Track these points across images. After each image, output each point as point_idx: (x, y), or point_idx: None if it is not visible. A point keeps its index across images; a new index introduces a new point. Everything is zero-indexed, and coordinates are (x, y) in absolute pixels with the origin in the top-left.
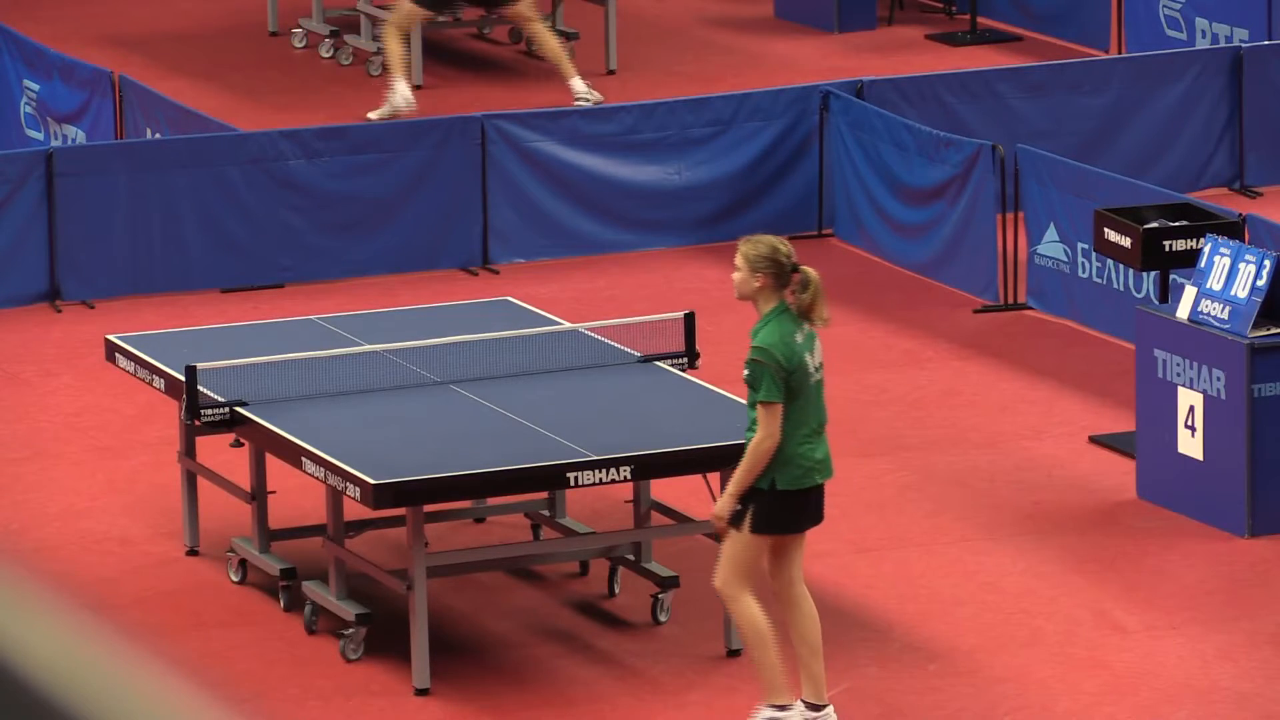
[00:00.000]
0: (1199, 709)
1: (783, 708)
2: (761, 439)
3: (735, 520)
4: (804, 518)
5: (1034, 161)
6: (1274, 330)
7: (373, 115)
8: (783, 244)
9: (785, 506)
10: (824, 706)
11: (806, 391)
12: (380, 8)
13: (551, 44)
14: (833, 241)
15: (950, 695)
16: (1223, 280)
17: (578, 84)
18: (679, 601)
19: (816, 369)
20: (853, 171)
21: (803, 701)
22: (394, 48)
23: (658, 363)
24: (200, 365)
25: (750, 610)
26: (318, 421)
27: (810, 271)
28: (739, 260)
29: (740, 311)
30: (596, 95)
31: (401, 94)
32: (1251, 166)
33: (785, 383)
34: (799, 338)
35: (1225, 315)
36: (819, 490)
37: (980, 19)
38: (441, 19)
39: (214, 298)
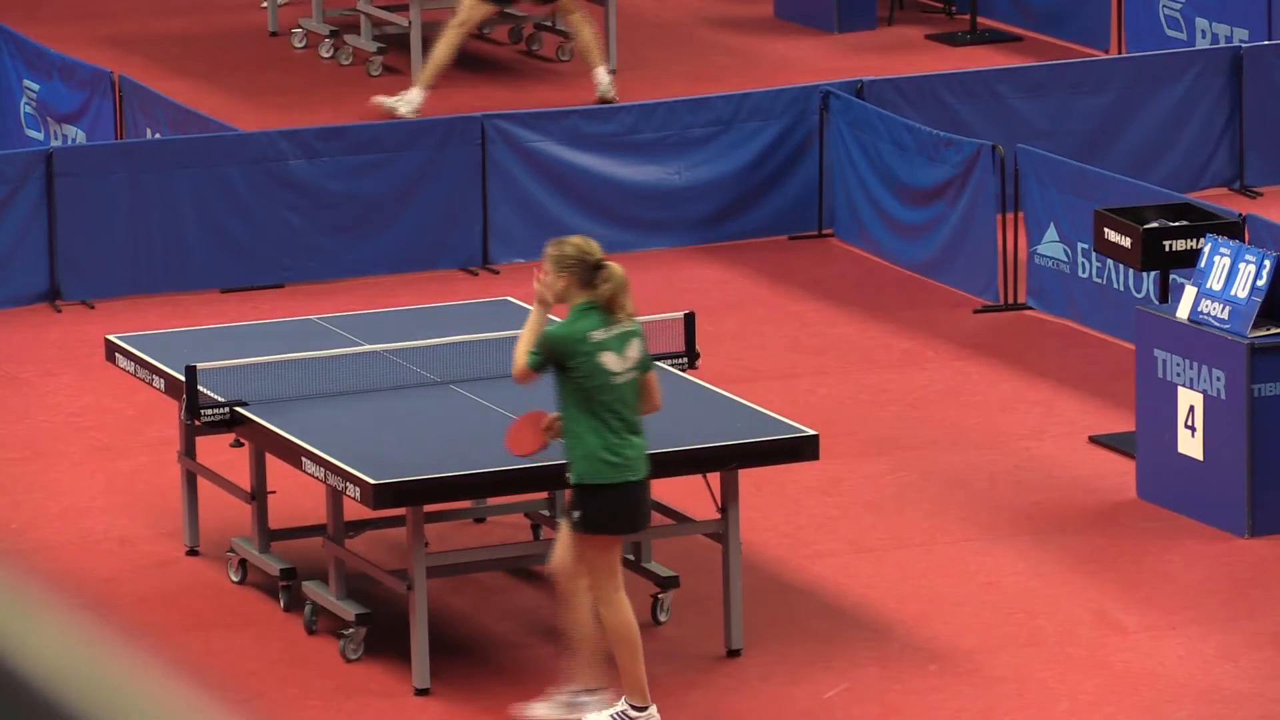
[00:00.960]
0: (1199, 709)
1: (641, 709)
2: (518, 357)
3: (576, 525)
4: (627, 517)
5: (1034, 161)
6: (1274, 330)
7: (377, 99)
8: (588, 243)
9: (608, 501)
10: (597, 690)
11: (608, 389)
12: (381, 8)
13: (585, 34)
14: (833, 241)
15: (950, 695)
16: (1223, 280)
17: (602, 74)
18: (679, 601)
19: (630, 369)
20: (853, 171)
21: (559, 692)
22: (442, 54)
23: (658, 363)
24: (200, 365)
25: (618, 614)
26: (318, 421)
27: (613, 266)
28: (546, 263)
29: (741, 311)
30: (612, 94)
31: (411, 101)
32: (1251, 166)
33: (557, 366)
34: (598, 335)
35: (1225, 315)
36: (635, 491)
37: (980, 19)
38: (507, 11)
39: (214, 298)
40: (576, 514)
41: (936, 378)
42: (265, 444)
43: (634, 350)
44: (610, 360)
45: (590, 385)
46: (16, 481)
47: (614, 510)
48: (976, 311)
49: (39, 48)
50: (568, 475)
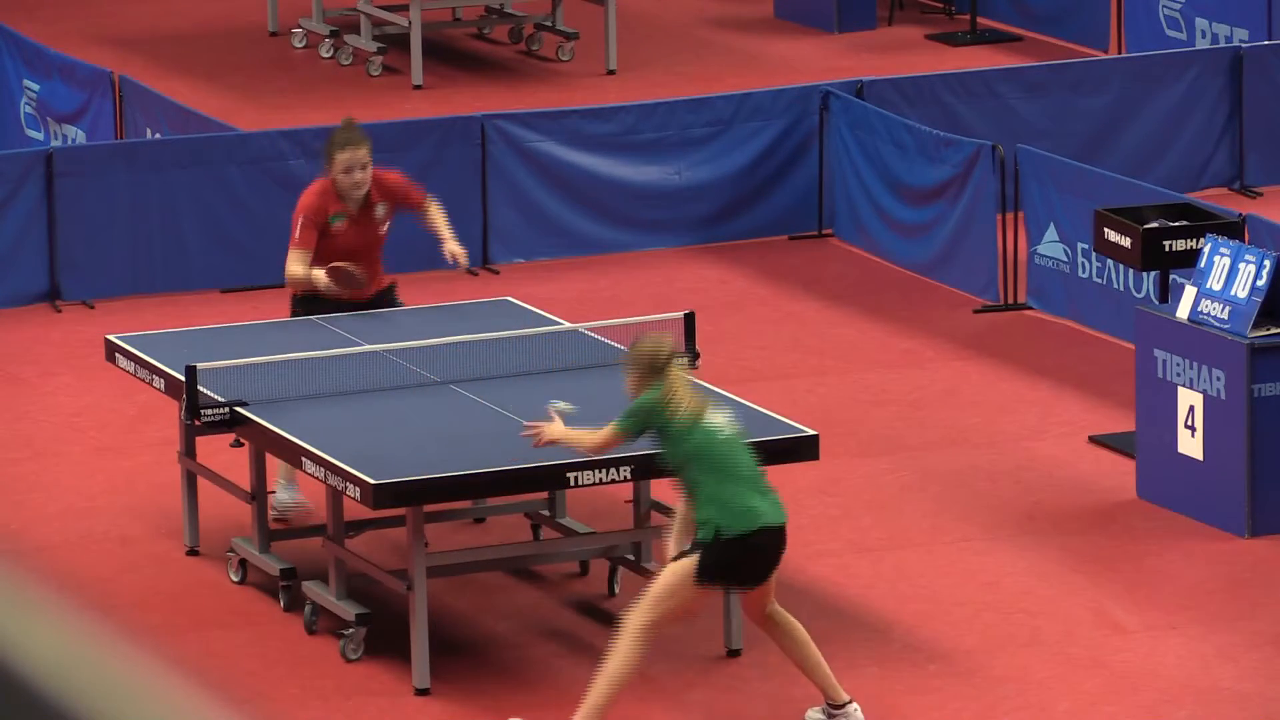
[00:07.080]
0: (1199, 709)
1: None
2: (597, 435)
3: (689, 554)
4: (751, 568)
5: (1034, 161)
6: (1274, 330)
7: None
8: (658, 345)
9: (732, 554)
10: (844, 704)
11: (718, 447)
12: (381, 8)
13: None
14: (833, 241)
15: (950, 695)
16: (1223, 280)
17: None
18: None
19: (728, 423)
20: (853, 171)
21: (828, 705)
22: None
23: None
24: (200, 365)
25: (633, 658)
26: (318, 421)
27: (672, 374)
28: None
29: (741, 311)
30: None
31: None
32: (1251, 166)
33: (642, 427)
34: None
35: (1225, 315)
36: (768, 537)
37: (980, 19)
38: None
39: (214, 298)
40: (690, 551)
41: (936, 378)
42: (265, 444)
43: (723, 416)
44: (712, 421)
45: (696, 448)
46: (16, 481)
47: (733, 563)
48: (976, 311)
49: (39, 48)
50: (698, 535)
